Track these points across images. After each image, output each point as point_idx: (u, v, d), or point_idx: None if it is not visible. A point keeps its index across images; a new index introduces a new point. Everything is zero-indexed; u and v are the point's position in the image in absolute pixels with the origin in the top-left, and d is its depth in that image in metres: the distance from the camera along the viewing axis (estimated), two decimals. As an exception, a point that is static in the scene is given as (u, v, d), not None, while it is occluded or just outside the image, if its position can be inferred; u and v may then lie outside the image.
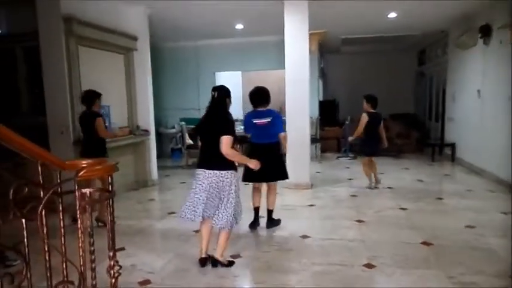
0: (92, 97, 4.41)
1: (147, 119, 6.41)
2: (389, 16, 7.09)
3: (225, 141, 3.04)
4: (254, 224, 4.23)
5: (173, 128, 9.42)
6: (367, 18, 7.14)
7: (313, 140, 8.24)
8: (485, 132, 6.70)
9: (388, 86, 11.49)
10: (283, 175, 4.26)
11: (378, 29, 8.24)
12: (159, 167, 7.24)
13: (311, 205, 5.16)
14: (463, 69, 7.82)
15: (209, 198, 3.13)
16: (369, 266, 3.23)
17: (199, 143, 3.37)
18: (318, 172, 7.36)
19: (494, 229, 4.04)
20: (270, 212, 4.29)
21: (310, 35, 6.00)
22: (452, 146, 8.26)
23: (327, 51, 11.36)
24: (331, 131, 10.10)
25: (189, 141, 8.14)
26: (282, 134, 4.13)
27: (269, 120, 4.01)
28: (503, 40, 5.90)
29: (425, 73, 11.24)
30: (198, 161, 3.28)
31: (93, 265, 1.56)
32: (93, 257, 1.55)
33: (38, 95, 5.39)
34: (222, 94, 3.25)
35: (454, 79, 8.42)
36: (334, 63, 12.52)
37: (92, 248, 1.56)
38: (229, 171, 3.12)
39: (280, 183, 6.20)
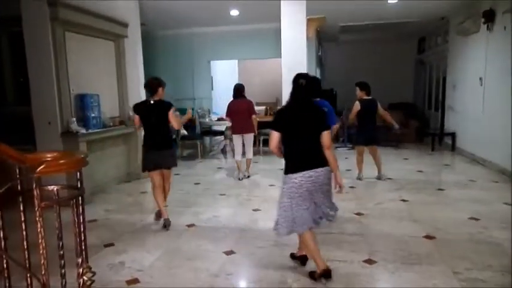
0: (156, 85, 3.95)
1: (139, 109, 6.18)
2: (389, 1, 6.85)
3: (329, 136, 2.75)
4: None
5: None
6: (366, 3, 6.89)
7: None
8: (487, 121, 6.53)
9: (387, 75, 11.27)
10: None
11: (378, 16, 7.99)
12: (153, 159, 7.04)
13: (309, 197, 4.99)
14: (464, 57, 7.61)
15: (314, 199, 2.76)
16: (370, 261, 3.07)
17: (270, 139, 2.84)
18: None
19: (498, 221, 3.89)
20: None
21: (308, 20, 5.78)
22: (453, 135, 8.10)
23: (325, 39, 11.11)
24: (329, 121, 9.87)
25: (184, 132, 7.94)
26: (335, 126, 3.97)
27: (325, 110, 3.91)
28: (508, 25, 5.69)
29: (425, 61, 11.03)
30: (293, 163, 2.77)
31: (63, 271, 1.37)
32: (62, 261, 1.37)
33: (23, 84, 5.15)
34: (311, 82, 2.84)
35: (455, 67, 8.22)
36: (332, 52, 12.27)
37: (61, 252, 1.38)
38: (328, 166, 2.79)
39: (276, 174, 6.10)
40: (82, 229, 1.29)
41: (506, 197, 4.68)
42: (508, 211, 4.21)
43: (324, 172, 2.74)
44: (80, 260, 1.28)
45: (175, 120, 3.99)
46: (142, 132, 4.07)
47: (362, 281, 2.79)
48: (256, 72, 10.85)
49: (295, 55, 5.68)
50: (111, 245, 3.52)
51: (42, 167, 1.12)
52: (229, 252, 3.31)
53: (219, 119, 8.21)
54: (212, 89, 9.71)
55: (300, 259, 3.05)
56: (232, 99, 6.04)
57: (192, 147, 8.21)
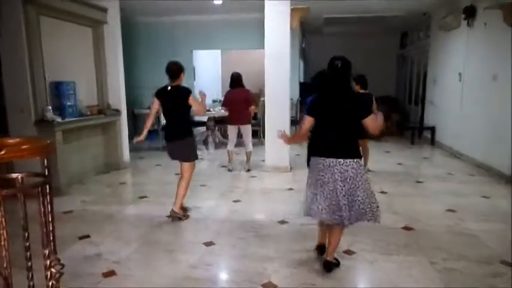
0: (176, 70, 3.76)
1: (118, 97, 6.02)
2: (373, -6, 6.87)
3: (374, 120, 2.64)
4: None
5: (149, 108, 8.96)
6: (350, -4, 6.88)
7: (294, 122, 8.04)
8: (465, 115, 6.65)
9: (370, 69, 11.27)
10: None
11: (361, 9, 7.99)
12: (134, 149, 6.90)
13: (290, 189, 4.99)
14: (445, 52, 7.72)
15: (339, 191, 2.58)
16: (349, 252, 3.09)
17: (301, 126, 2.77)
18: (298, 155, 7.18)
19: (475, 213, 3.97)
20: None
21: (292, 10, 5.71)
22: (432, 129, 8.23)
23: (309, 31, 11.08)
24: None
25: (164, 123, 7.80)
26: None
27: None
28: (488, 22, 5.78)
29: (406, 56, 11.15)
30: (320, 148, 2.67)
31: (29, 263, 1.30)
32: (28, 253, 1.30)
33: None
34: (347, 65, 2.64)
35: (436, 62, 8.34)
36: (316, 44, 12.26)
37: (27, 244, 1.30)
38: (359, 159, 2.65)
39: (258, 166, 6.08)
40: (50, 219, 1.22)
41: (483, 190, 4.79)
42: (485, 204, 4.31)
43: (351, 164, 2.58)
44: (47, 251, 1.22)
45: (197, 104, 3.71)
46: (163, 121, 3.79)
47: (341, 271, 2.80)
48: (239, 62, 10.72)
49: (278, 46, 5.61)
50: (87, 236, 3.42)
51: (2, 152, 1.05)
52: (209, 244, 3.27)
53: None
54: (194, 79, 9.56)
55: (324, 264, 2.84)
56: (229, 88, 5.95)
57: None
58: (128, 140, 6.31)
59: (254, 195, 4.85)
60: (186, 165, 3.81)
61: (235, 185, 5.23)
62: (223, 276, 2.77)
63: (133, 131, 8.74)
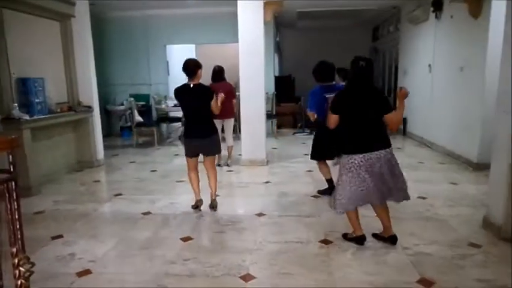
0: (194, 67, 3.68)
1: (90, 94, 5.86)
2: (344, -12, 6.95)
3: (395, 116, 2.84)
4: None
5: (122, 104, 8.82)
6: (322, -11, 6.94)
7: (269, 116, 8.08)
8: (434, 106, 6.87)
9: (344, 62, 11.45)
10: None
11: (334, 3, 8.08)
12: (108, 147, 6.77)
13: (267, 182, 5.02)
14: (414, 44, 7.93)
15: (378, 179, 2.83)
16: (326, 242, 3.15)
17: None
18: (274, 148, 7.25)
19: (444, 199, 4.13)
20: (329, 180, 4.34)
21: (265, 4, 5.70)
22: (404, 120, 8.45)
23: (282, 25, 11.11)
24: (288, 106, 9.99)
25: (139, 118, 7.66)
26: None
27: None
28: (454, 14, 5.97)
29: (378, 49, 11.37)
30: (354, 144, 2.85)
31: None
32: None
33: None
34: (370, 64, 2.88)
35: (406, 54, 8.55)
36: (290, 38, 12.32)
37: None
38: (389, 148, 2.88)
39: (235, 160, 6.08)
40: (17, 216, 1.19)
41: (452, 177, 4.98)
42: (453, 190, 4.48)
43: (384, 154, 2.80)
44: (14, 250, 1.18)
45: (215, 104, 3.76)
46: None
47: (318, 260, 2.85)
48: (214, 57, 10.60)
49: (252, 40, 5.61)
50: (60, 236, 3.33)
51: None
52: (186, 239, 3.25)
53: (176, 105, 7.98)
54: (168, 74, 9.42)
55: (390, 239, 3.05)
56: (211, 82, 5.87)
57: (148, 135, 7.96)
58: (101, 137, 6.17)
59: (231, 189, 4.85)
60: (212, 158, 3.94)
61: (212, 179, 5.20)
62: (202, 270, 2.76)
63: (107, 128, 8.58)
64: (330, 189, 4.32)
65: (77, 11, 5.57)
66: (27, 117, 4.43)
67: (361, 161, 2.80)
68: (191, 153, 3.86)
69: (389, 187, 2.88)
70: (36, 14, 4.98)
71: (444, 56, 6.47)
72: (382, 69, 10.94)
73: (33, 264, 1.25)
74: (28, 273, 1.22)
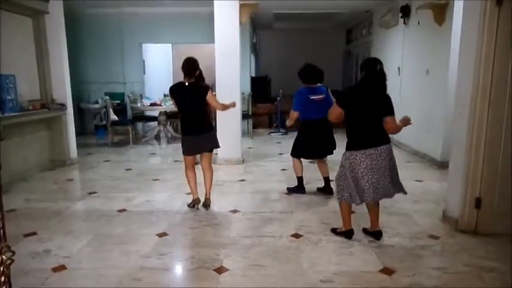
0: (193, 66, 3.72)
1: (63, 91, 5.80)
2: (318, -8, 7.15)
3: (393, 122, 3.05)
4: (301, 189, 4.48)
5: (96, 103, 8.72)
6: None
7: (245, 116, 8.20)
8: (403, 107, 7.14)
9: (318, 64, 11.75)
10: (335, 146, 4.38)
11: (309, 5, 8.29)
12: (82, 145, 6.70)
13: (242, 180, 5.14)
14: (385, 48, 8.24)
15: (379, 176, 2.97)
16: (296, 236, 3.29)
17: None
18: (250, 148, 7.37)
19: (408, 195, 4.30)
20: (327, 180, 4.43)
21: (241, 6, 5.82)
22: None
23: (259, 27, 11.26)
24: (263, 107, 10.14)
25: (114, 117, 7.61)
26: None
27: (323, 96, 4.19)
28: (421, 20, 6.28)
29: (352, 51, 11.70)
30: (356, 141, 2.99)
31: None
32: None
33: None
34: (382, 68, 3.01)
35: (378, 57, 8.84)
36: (267, 39, 12.50)
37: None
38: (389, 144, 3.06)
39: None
40: (-2, 207, 1.25)
41: (417, 174, 5.25)
42: (418, 187, 4.74)
43: (384, 150, 2.97)
44: (-4, 238, 1.24)
45: (216, 101, 3.88)
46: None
47: (289, 253, 2.99)
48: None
49: (228, 41, 5.71)
50: (33, 234, 3.32)
51: None
52: (161, 234, 3.32)
53: (152, 104, 7.99)
54: (144, 73, 9.38)
55: (374, 234, 3.21)
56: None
57: (124, 133, 7.92)
58: (75, 136, 6.11)
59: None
60: (210, 155, 3.99)
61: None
62: (177, 263, 2.85)
63: (81, 126, 8.47)
64: (298, 188, 4.49)
65: (50, 7, 5.50)
66: (-2, 114, 4.37)
67: (362, 157, 2.94)
68: (190, 151, 3.88)
69: (389, 181, 3.04)
70: (6, 9, 4.89)
71: (411, 59, 6.78)
72: (356, 71, 11.26)
73: (13, 253, 1.31)
74: (9, 261, 1.28)
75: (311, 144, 4.27)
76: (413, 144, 6.57)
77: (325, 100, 4.16)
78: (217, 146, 4.04)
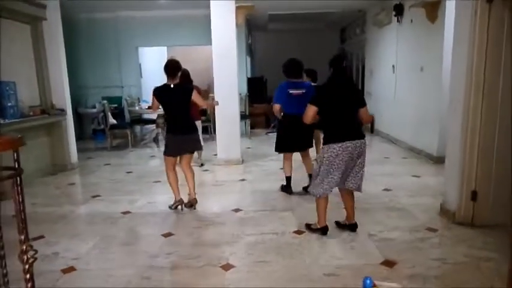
0: (176, 68, 3.80)
1: (62, 97, 5.84)
2: (313, -8, 7.23)
3: (367, 112, 3.22)
4: (288, 189, 4.51)
5: (94, 107, 8.76)
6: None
7: (243, 117, 8.26)
8: (398, 104, 7.29)
9: (313, 63, 11.81)
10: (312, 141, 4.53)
11: (304, 5, 8.37)
12: (80, 150, 6.73)
13: (242, 180, 5.21)
14: (379, 46, 8.35)
15: (347, 167, 3.12)
16: (299, 232, 3.37)
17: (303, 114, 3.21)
18: (248, 148, 7.44)
19: (407, 190, 4.47)
20: (311, 176, 4.35)
21: (237, 8, 5.90)
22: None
23: (254, 28, 11.34)
24: (260, 107, 10.21)
25: (113, 121, 7.65)
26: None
27: (304, 91, 4.15)
28: (414, 18, 6.39)
29: (346, 50, 11.81)
30: (339, 135, 3.06)
31: (2, 252, 1.38)
32: (1, 243, 1.37)
33: None
34: (348, 65, 3.19)
35: (372, 55, 8.98)
36: (262, 40, 12.58)
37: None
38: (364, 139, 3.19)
39: (211, 160, 6.23)
40: (22, 208, 1.31)
41: (414, 170, 5.35)
42: (415, 182, 4.84)
43: (359, 144, 3.09)
44: (22, 237, 1.30)
45: (201, 99, 3.99)
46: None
47: (293, 249, 3.07)
48: (186, 59, 10.68)
49: (225, 43, 5.77)
50: (41, 237, 3.38)
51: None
52: (167, 235, 3.39)
53: (150, 107, 8.02)
54: (141, 76, 9.43)
55: (350, 227, 3.34)
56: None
57: (122, 137, 7.96)
58: (75, 140, 6.15)
59: (208, 188, 5.00)
60: (189, 158, 4.05)
61: (189, 179, 5.34)
62: (184, 262, 2.91)
63: (79, 131, 8.49)
64: (286, 187, 4.53)
65: (47, 13, 5.54)
66: (1, 121, 4.41)
67: (339, 150, 3.03)
68: (174, 151, 3.93)
69: (352, 173, 3.17)
70: (5, 17, 4.93)
71: (406, 57, 6.89)
72: (350, 70, 11.36)
73: (36, 251, 1.38)
74: (32, 260, 1.34)
75: (291, 138, 4.30)
76: (410, 141, 6.68)
77: (304, 95, 4.06)
78: (200, 148, 4.10)
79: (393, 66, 7.47)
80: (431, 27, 5.76)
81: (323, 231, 3.28)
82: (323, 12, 9.32)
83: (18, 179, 1.29)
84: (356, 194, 4.26)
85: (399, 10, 6.86)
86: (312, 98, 3.21)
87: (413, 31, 6.51)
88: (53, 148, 5.74)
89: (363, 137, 3.15)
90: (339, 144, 3.03)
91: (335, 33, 12.39)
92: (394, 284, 1.23)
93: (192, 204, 4.04)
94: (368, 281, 1.27)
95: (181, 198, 4.04)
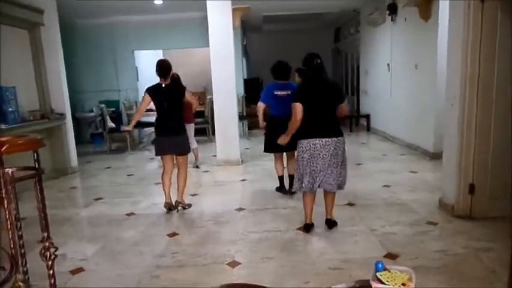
0: (167, 69, 3.83)
1: (62, 101, 5.88)
2: (307, -7, 7.32)
3: (346, 107, 3.31)
4: (281, 189, 4.51)
5: (91, 111, 8.77)
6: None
7: (240, 118, 8.32)
8: (394, 102, 7.39)
9: (308, 63, 11.98)
10: None
11: (298, 6, 8.46)
12: (80, 154, 6.75)
13: (243, 180, 5.27)
14: (373, 45, 8.46)
15: (330, 165, 3.12)
16: (302, 229, 3.43)
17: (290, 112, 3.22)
18: (247, 148, 7.50)
19: (405, 186, 4.55)
20: (292, 177, 4.44)
21: (233, 10, 5.97)
22: (367, 117, 8.98)
23: (249, 29, 11.40)
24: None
25: (111, 125, 7.68)
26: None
27: (289, 92, 4.14)
28: (407, 17, 6.49)
29: (341, 50, 11.92)
30: (314, 130, 3.11)
31: (23, 250, 1.43)
32: (21, 241, 1.42)
33: None
34: (321, 60, 3.23)
35: (366, 54, 9.08)
36: (257, 41, 12.64)
37: (20, 233, 1.43)
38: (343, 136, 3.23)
39: (210, 161, 6.28)
40: (42, 206, 1.36)
41: (411, 166, 5.44)
42: (413, 178, 4.92)
43: (335, 142, 3.11)
44: (45, 235, 1.35)
45: (193, 98, 4.02)
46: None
47: (296, 244, 3.13)
48: (182, 61, 10.76)
49: (222, 45, 5.83)
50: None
51: (5, 146, 1.17)
52: (172, 234, 3.44)
53: (148, 110, 8.04)
54: (138, 79, 9.45)
55: (326, 222, 3.40)
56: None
57: (121, 140, 7.99)
58: (74, 144, 6.18)
59: (210, 188, 5.06)
60: (184, 158, 4.06)
61: (190, 180, 5.35)
62: (191, 260, 2.96)
63: (77, 135, 8.49)
64: (279, 187, 4.55)
65: (45, 19, 5.57)
66: (3, 126, 4.44)
67: (310, 145, 3.09)
68: (162, 151, 3.97)
69: (329, 175, 3.15)
70: (4, 23, 4.96)
71: (400, 55, 7.00)
72: (345, 69, 11.47)
73: (56, 248, 1.42)
74: (53, 256, 1.39)
75: (275, 139, 4.29)
76: (407, 138, 6.78)
77: (289, 97, 4.01)
78: (187, 151, 4.07)
79: (388, 64, 7.57)
80: (424, 25, 5.86)
81: (305, 228, 3.33)
82: (317, 13, 9.42)
83: (39, 178, 1.34)
84: (356, 190, 4.37)
85: (393, 9, 6.96)
86: (295, 97, 3.25)
87: (407, 30, 6.61)
88: (53, 152, 5.76)
89: (341, 134, 3.19)
90: (307, 141, 3.10)
91: (329, 33, 12.49)
92: (405, 268, 1.28)
93: (176, 206, 4.02)
94: (380, 265, 1.33)
95: (167, 202, 4.03)
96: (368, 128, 8.93)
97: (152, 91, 3.88)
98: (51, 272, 1.37)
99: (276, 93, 4.26)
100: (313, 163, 3.12)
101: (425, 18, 5.80)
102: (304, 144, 3.15)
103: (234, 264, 2.84)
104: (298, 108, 3.13)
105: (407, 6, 6.23)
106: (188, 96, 3.96)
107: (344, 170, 3.27)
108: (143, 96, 3.94)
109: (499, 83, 3.24)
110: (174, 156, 4.03)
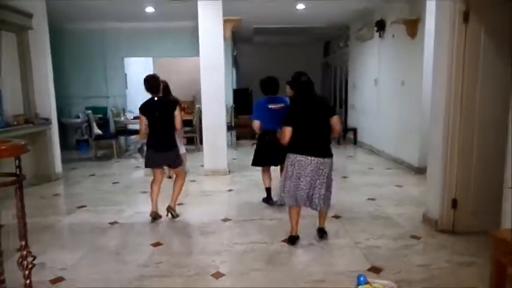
0: (156, 83, 3.84)
1: (48, 106, 5.78)
2: (297, 7, 7.42)
3: (338, 120, 3.27)
4: (268, 200, 4.50)
5: (77, 117, 8.66)
6: (277, 8, 7.38)
7: (229, 128, 8.31)
8: (381, 117, 7.50)
9: (298, 76, 12.11)
10: None
11: (288, 20, 8.59)
12: (65, 160, 6.63)
13: (230, 190, 5.25)
14: (362, 60, 8.61)
15: (313, 185, 3.13)
16: (287, 241, 3.42)
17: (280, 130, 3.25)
18: (234, 159, 7.48)
19: (390, 200, 4.59)
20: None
21: (224, 21, 6.01)
22: (354, 130, 9.08)
23: (240, 40, 11.49)
24: (246, 118, 10.26)
25: (98, 131, 7.59)
26: None
27: (282, 105, 4.21)
28: (395, 34, 6.65)
29: (330, 64, 12.10)
30: (300, 147, 3.11)
31: (0, 259, 1.39)
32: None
33: None
34: (309, 78, 3.27)
35: (355, 69, 9.24)
36: (247, 52, 12.74)
37: (-2, 240, 1.39)
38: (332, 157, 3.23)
39: (197, 170, 6.24)
40: (22, 214, 1.33)
41: (397, 180, 5.51)
42: (398, 192, 4.98)
43: (320, 162, 3.10)
44: (23, 243, 1.31)
45: (179, 119, 3.91)
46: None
47: (282, 257, 3.12)
48: (172, 70, 10.76)
49: (213, 56, 5.84)
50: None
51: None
52: (156, 244, 3.39)
53: (135, 118, 8.00)
54: (126, 87, 9.40)
55: (317, 231, 3.46)
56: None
57: (107, 147, 7.89)
58: (59, 150, 6.08)
59: (196, 198, 5.01)
60: (179, 169, 4.08)
61: (176, 189, 5.34)
62: (175, 271, 2.92)
63: (62, 141, 8.36)
64: (266, 199, 4.55)
65: (34, 23, 5.52)
66: (-14, 130, 4.35)
67: (296, 160, 3.11)
68: (152, 165, 3.99)
69: (312, 194, 3.16)
70: (-10, 26, 4.90)
71: (388, 71, 7.13)
72: (334, 83, 11.62)
73: (34, 257, 1.39)
74: (31, 265, 1.35)
75: (266, 153, 4.32)
76: (393, 152, 6.87)
77: (283, 109, 4.09)
78: (179, 164, 4.06)
79: (375, 80, 7.71)
80: (411, 42, 6.01)
81: (290, 240, 3.33)
82: (307, 27, 9.56)
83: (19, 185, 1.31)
84: (342, 203, 4.39)
85: (381, 26, 7.12)
86: (285, 119, 3.24)
87: (395, 46, 6.76)
88: (37, 158, 5.63)
89: (328, 156, 3.18)
90: (304, 156, 3.10)
91: (318, 47, 12.68)
92: (387, 281, 1.29)
93: (169, 211, 4.02)
94: (362, 278, 1.34)
95: (153, 212, 3.99)
96: (355, 142, 9.03)
97: (144, 108, 3.89)
98: (28, 281, 1.33)
99: (270, 106, 4.30)
100: (297, 178, 3.14)
101: (412, 35, 5.95)
102: (291, 158, 3.18)
103: (218, 275, 2.81)
104: (287, 132, 3.15)
105: (395, 24, 6.37)
106: (177, 115, 3.91)
107: (329, 192, 3.27)
108: (139, 116, 3.95)
109: (482, 101, 3.33)
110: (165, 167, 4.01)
